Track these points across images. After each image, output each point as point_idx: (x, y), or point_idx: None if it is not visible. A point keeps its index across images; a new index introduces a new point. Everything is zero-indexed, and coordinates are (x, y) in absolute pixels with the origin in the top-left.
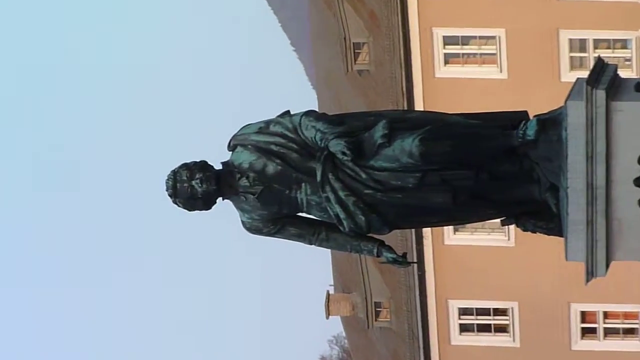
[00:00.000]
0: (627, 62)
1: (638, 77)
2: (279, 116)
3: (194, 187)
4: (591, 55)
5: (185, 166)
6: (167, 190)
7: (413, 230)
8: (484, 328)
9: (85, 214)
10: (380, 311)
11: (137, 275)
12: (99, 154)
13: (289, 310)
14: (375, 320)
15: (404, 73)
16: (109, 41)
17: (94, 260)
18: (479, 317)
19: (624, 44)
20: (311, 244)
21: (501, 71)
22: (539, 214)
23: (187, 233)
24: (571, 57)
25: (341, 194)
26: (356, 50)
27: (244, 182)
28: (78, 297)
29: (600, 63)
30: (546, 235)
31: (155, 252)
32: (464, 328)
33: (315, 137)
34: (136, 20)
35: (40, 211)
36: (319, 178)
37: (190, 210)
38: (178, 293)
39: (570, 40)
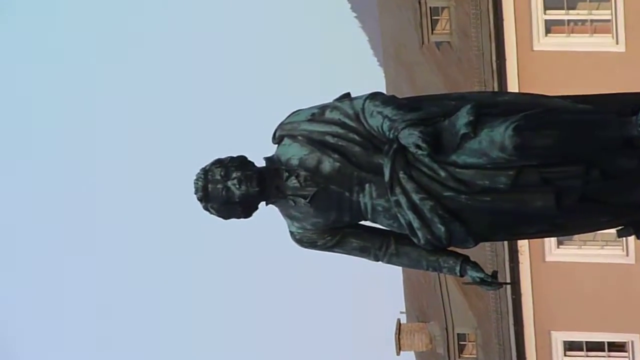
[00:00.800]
0: None
1: None
2: (336, 100)
3: (231, 189)
4: None
5: (219, 163)
6: (196, 194)
7: (506, 243)
8: None
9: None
10: (464, 345)
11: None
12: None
13: (352, 344)
14: (459, 356)
15: (493, 45)
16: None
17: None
18: (589, 353)
19: None
20: (378, 260)
21: (617, 42)
22: None
23: (215, 244)
24: None
25: (415, 197)
26: (434, 18)
27: (293, 182)
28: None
29: None
30: None
31: (203, 275)
32: None
33: (382, 126)
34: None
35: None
36: (387, 177)
37: (225, 218)
38: (223, 321)
39: None
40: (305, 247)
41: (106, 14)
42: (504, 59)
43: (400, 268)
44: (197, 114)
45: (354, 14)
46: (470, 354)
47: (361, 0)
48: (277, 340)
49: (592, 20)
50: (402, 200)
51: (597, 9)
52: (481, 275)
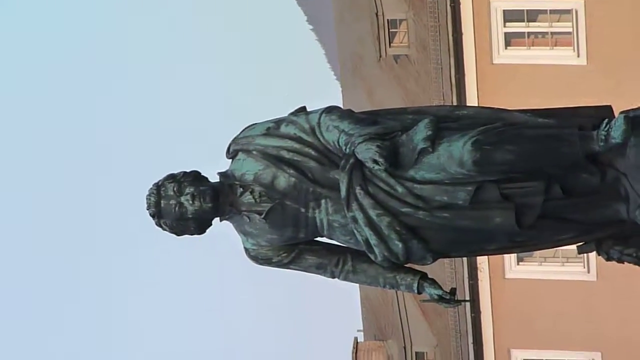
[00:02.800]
0: None
1: None
2: (292, 114)
3: (184, 204)
4: None
5: (172, 178)
6: (148, 209)
7: (465, 259)
8: None
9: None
10: None
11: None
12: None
13: None
14: None
15: (453, 58)
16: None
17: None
18: None
19: None
20: (334, 277)
21: (578, 55)
22: (627, 238)
23: (170, 259)
24: None
25: (372, 213)
26: (392, 30)
27: (247, 198)
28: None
29: None
30: (637, 266)
31: (152, 289)
32: None
33: (338, 141)
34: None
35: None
36: (343, 193)
37: (178, 235)
38: (175, 341)
39: None
40: (260, 263)
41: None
42: (463, 73)
43: (358, 285)
44: (147, 127)
45: (310, 27)
46: None
47: (318, 13)
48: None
49: (552, 33)
50: (359, 216)
51: (558, 21)
52: (439, 292)
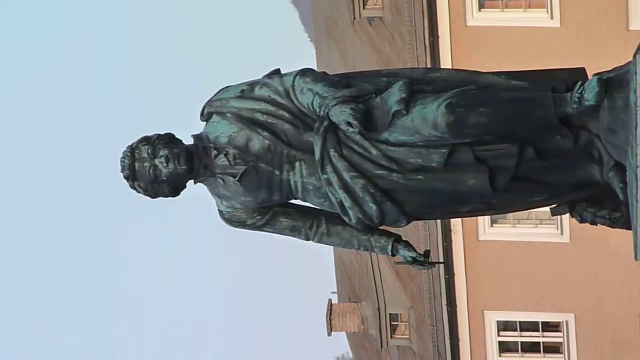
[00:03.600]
0: None
1: None
2: (266, 76)
3: (158, 167)
4: None
5: (146, 140)
6: (122, 172)
7: (439, 221)
8: (531, 347)
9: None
10: (397, 326)
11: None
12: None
13: (283, 324)
14: (391, 337)
15: (426, 21)
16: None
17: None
18: (523, 333)
19: None
20: (308, 240)
21: (552, 17)
22: (601, 200)
23: (146, 225)
24: None
25: (346, 175)
26: None
27: (221, 160)
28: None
29: None
30: (610, 228)
31: (133, 257)
32: (505, 347)
33: (312, 103)
34: None
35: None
36: (317, 156)
37: (153, 197)
38: (155, 312)
39: None
40: (235, 226)
41: None
42: (437, 35)
43: (332, 248)
44: (123, 88)
45: None
46: (403, 335)
47: None
48: (207, 323)
49: None
50: (333, 178)
51: None
52: (413, 254)
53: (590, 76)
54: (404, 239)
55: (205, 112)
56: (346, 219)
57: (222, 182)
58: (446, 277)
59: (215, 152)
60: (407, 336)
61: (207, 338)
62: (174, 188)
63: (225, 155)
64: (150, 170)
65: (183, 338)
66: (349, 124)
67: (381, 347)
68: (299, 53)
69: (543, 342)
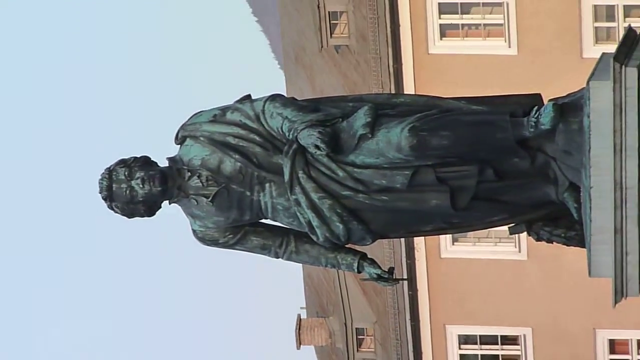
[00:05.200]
0: None
1: None
2: (237, 102)
3: (134, 188)
4: (620, 25)
5: (122, 163)
6: (100, 193)
7: (402, 240)
8: None
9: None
10: (363, 339)
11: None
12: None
13: (253, 338)
14: (358, 350)
15: (390, 49)
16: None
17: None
18: (483, 346)
19: None
20: (278, 257)
21: (510, 46)
22: (556, 219)
23: (120, 238)
24: (596, 28)
25: (314, 196)
26: (332, 22)
27: (195, 182)
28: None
29: (631, 34)
30: (565, 246)
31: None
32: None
33: (282, 127)
34: None
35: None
36: (286, 177)
37: (129, 217)
38: (121, 323)
39: (595, 7)
40: (208, 244)
41: None
42: (401, 62)
43: (301, 265)
44: (99, 114)
45: (255, 18)
46: (369, 348)
47: (262, 5)
48: (176, 337)
49: (485, 25)
50: (302, 199)
51: (490, 13)
52: (378, 271)
53: (546, 101)
54: (369, 256)
55: (179, 135)
56: (314, 237)
57: (196, 203)
58: (410, 293)
59: (189, 174)
60: (373, 349)
61: (176, 352)
62: (149, 208)
63: (199, 177)
64: (127, 192)
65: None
66: (317, 146)
67: (347, 359)
68: (268, 79)
69: (502, 355)
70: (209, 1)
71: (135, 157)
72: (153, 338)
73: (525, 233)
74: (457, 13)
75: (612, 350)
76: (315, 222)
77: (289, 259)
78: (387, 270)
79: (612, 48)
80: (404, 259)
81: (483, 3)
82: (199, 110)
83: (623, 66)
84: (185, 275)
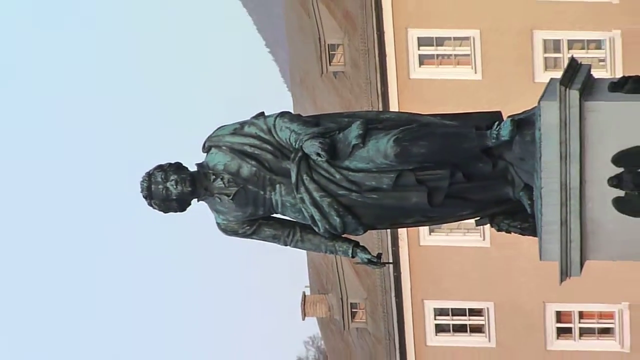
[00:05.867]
0: (601, 63)
1: (612, 77)
2: (253, 117)
3: (169, 188)
4: (565, 56)
5: (159, 168)
6: (142, 192)
7: (389, 231)
8: (460, 329)
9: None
10: (356, 312)
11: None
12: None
13: (265, 311)
14: (352, 321)
15: (379, 74)
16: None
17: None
18: (454, 317)
19: (597, 44)
20: (286, 245)
21: (476, 72)
22: (514, 214)
23: (158, 234)
24: (545, 58)
25: (316, 195)
26: (331, 52)
27: (218, 183)
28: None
29: (573, 63)
30: (521, 235)
31: (129, 252)
32: (440, 329)
33: (289, 138)
34: (111, 24)
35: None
36: (293, 179)
37: (165, 212)
38: (153, 296)
39: (545, 40)
40: (229, 235)
41: None
42: (387, 85)
43: (305, 251)
44: (145, 136)
45: (268, 49)
46: (361, 319)
47: (273, 38)
48: (199, 313)
49: (455, 55)
50: (306, 197)
51: (460, 45)
52: (369, 256)
53: (505, 117)
54: (361, 244)
55: (206, 145)
56: (316, 229)
57: (219, 200)
58: (394, 274)
59: (214, 176)
60: (364, 320)
61: (198, 323)
62: (181, 205)
63: (222, 179)
64: (163, 191)
65: (178, 327)
66: (318, 154)
67: (344, 329)
68: (278, 99)
69: (469, 324)
70: (228, 36)
71: (170, 163)
72: (168, 315)
73: (488, 225)
74: (432, 45)
75: (559, 320)
76: (317, 216)
77: (295, 246)
78: (376, 255)
79: (558, 74)
80: (390, 247)
81: (454, 37)
82: (221, 125)
83: (567, 89)
84: (215, 262)
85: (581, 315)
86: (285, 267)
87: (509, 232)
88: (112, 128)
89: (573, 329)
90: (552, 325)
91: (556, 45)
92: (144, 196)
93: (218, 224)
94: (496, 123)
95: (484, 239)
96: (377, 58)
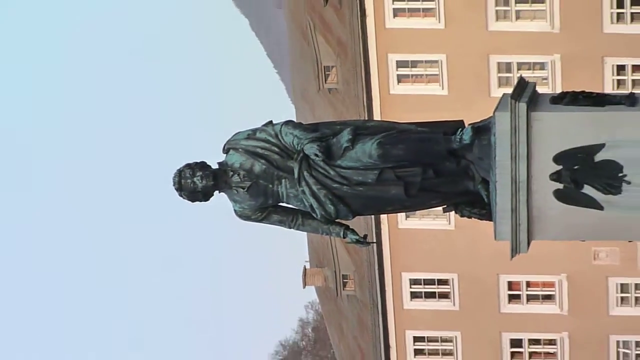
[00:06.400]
0: (544, 81)
1: (553, 92)
2: (263, 125)
3: (195, 182)
4: (515, 76)
5: (188, 166)
6: (173, 185)
7: (373, 217)
8: (430, 295)
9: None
10: (346, 282)
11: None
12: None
13: (273, 281)
14: (343, 289)
15: (365, 90)
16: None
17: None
18: (426, 286)
19: (541, 66)
20: (290, 228)
21: (443, 88)
22: (474, 203)
23: (189, 223)
24: (499, 77)
25: (314, 187)
26: (326, 72)
27: (235, 178)
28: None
29: (522, 81)
30: (479, 220)
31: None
32: (414, 295)
33: (293, 142)
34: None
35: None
36: (296, 175)
37: (192, 202)
38: (171, 273)
39: (498, 63)
40: (244, 220)
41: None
42: (372, 99)
43: (305, 233)
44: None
45: (276, 70)
46: (351, 288)
47: (280, 60)
48: (220, 281)
49: (426, 75)
50: (306, 189)
51: (431, 67)
52: (357, 237)
53: (466, 125)
54: (351, 227)
55: (225, 147)
56: (314, 215)
57: (236, 192)
58: (377, 251)
59: (232, 173)
60: (353, 289)
61: (219, 289)
62: (205, 196)
63: (238, 175)
64: (191, 185)
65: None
66: (316, 155)
67: (337, 295)
68: (283, 110)
69: (438, 292)
70: (244, 60)
71: (197, 162)
72: (182, 287)
73: (453, 212)
74: (408, 67)
75: (510, 288)
76: (315, 205)
77: (297, 229)
78: (362, 236)
79: (509, 90)
80: (374, 229)
81: (425, 61)
82: (238, 131)
83: (517, 102)
84: (234, 242)
85: (528, 284)
86: (289, 246)
87: (470, 218)
88: (161, 139)
89: (521, 296)
90: (504, 292)
91: (507, 67)
92: (175, 189)
93: (235, 211)
94: (459, 130)
95: (449, 223)
96: (363, 77)
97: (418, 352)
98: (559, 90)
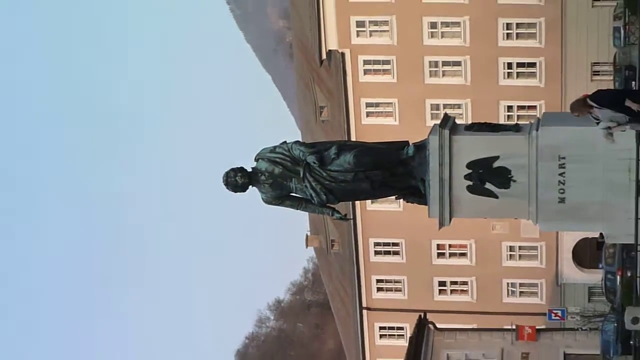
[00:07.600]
0: (460, 116)
1: (466, 123)
2: (281, 144)
3: (237, 180)
4: (442, 112)
5: (232, 169)
6: (223, 182)
7: (351, 202)
8: (387, 253)
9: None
10: (334, 244)
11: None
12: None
13: (285, 243)
14: (332, 249)
15: (346, 122)
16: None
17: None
18: (384, 247)
19: (459, 106)
20: (298, 210)
21: (396, 120)
22: (415, 194)
23: (232, 207)
24: (432, 113)
25: (313, 184)
26: (321, 110)
27: (262, 178)
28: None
29: (446, 116)
30: (419, 205)
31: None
32: (377, 252)
33: (299, 154)
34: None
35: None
36: (301, 175)
37: (235, 192)
38: (198, 236)
39: (431, 104)
40: (267, 204)
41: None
42: (350, 127)
43: (307, 213)
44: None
45: (285, 102)
46: (337, 249)
47: (289, 98)
48: (233, 247)
49: (385, 112)
50: (308, 185)
51: (387, 107)
52: (340, 215)
53: (411, 144)
54: (336, 209)
55: (255, 157)
56: (313, 201)
57: (263, 187)
58: (353, 224)
59: (260, 174)
60: (338, 249)
61: (242, 248)
62: (243, 188)
63: (264, 175)
64: (234, 181)
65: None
66: (314, 162)
67: (327, 253)
68: (292, 133)
69: (392, 250)
70: (261, 96)
71: (238, 167)
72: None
73: (402, 199)
74: (373, 106)
75: (438, 248)
76: (313, 195)
77: (303, 210)
78: (344, 215)
79: (438, 121)
80: (351, 210)
81: (385, 103)
82: (264, 147)
83: (443, 129)
84: (259, 218)
85: (450, 246)
86: (297, 220)
87: (413, 203)
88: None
89: (446, 253)
90: (434, 250)
91: (437, 107)
92: (224, 183)
93: (262, 199)
94: (406, 146)
95: (400, 207)
96: (345, 113)
97: (380, 289)
98: (470, 122)
